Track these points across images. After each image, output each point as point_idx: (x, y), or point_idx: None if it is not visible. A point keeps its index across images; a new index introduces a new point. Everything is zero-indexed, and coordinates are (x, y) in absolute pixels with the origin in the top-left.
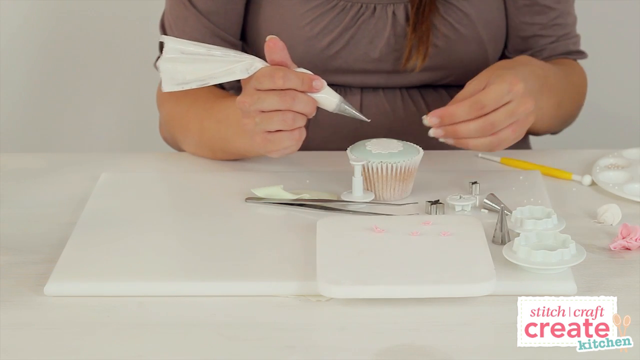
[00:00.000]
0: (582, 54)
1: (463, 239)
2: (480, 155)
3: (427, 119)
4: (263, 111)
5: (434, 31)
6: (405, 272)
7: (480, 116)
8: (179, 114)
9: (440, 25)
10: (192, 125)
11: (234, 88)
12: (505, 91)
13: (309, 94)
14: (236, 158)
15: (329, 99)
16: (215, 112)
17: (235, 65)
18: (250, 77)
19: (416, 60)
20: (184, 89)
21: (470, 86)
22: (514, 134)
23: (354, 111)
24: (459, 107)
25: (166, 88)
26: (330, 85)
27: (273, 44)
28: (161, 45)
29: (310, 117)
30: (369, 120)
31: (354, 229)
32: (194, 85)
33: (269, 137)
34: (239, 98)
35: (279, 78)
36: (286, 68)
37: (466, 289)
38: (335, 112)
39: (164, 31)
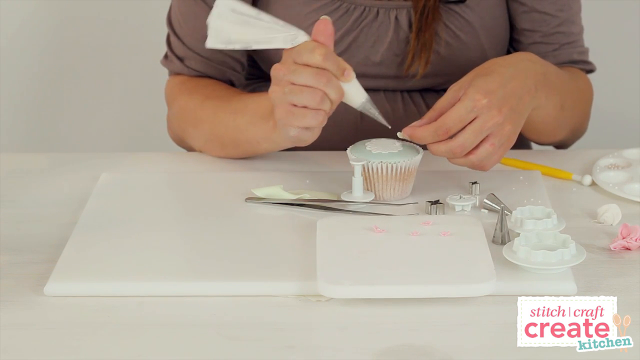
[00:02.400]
0: (588, 65)
1: (463, 239)
2: None
3: (400, 135)
4: (294, 84)
5: (436, 38)
6: (405, 272)
7: (448, 139)
8: (192, 107)
9: (443, 32)
10: (205, 117)
11: (242, 85)
12: (469, 109)
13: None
14: (245, 154)
15: (357, 94)
16: (232, 104)
17: (280, 34)
18: (292, 49)
19: (418, 67)
20: (227, 48)
21: (449, 93)
22: (494, 148)
23: (377, 114)
24: (424, 131)
25: (210, 44)
26: None
27: (324, 27)
28: (168, 40)
29: (335, 105)
30: (390, 127)
31: (354, 229)
32: (237, 46)
33: (293, 109)
34: (275, 65)
35: (319, 54)
36: (328, 47)
37: (466, 289)
38: (359, 109)
39: (171, 27)
